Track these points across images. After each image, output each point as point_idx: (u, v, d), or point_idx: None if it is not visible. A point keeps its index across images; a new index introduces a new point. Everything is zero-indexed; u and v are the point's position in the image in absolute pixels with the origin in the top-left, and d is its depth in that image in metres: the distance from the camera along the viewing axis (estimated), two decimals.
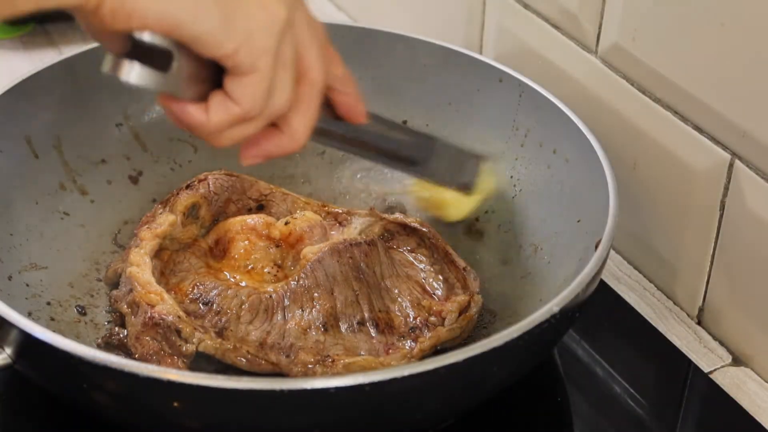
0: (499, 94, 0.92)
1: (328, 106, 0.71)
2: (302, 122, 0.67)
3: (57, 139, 0.88)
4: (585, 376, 0.83)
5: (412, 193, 0.91)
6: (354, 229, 0.86)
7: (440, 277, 0.85)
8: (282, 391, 0.62)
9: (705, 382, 0.83)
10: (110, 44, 0.62)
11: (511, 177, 0.91)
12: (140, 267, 0.79)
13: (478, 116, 0.93)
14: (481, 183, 0.82)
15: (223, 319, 0.78)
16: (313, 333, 0.78)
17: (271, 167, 0.94)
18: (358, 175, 0.97)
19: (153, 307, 0.76)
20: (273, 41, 0.63)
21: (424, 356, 0.78)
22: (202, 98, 0.64)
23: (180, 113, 0.65)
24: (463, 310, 0.81)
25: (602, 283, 0.87)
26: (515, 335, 0.66)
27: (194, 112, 0.64)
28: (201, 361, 0.76)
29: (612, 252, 0.93)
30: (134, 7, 0.59)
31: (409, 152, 0.78)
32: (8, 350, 0.68)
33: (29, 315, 0.77)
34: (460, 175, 0.81)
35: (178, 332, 0.75)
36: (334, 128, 0.73)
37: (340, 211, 0.89)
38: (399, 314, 0.81)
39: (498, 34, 1.02)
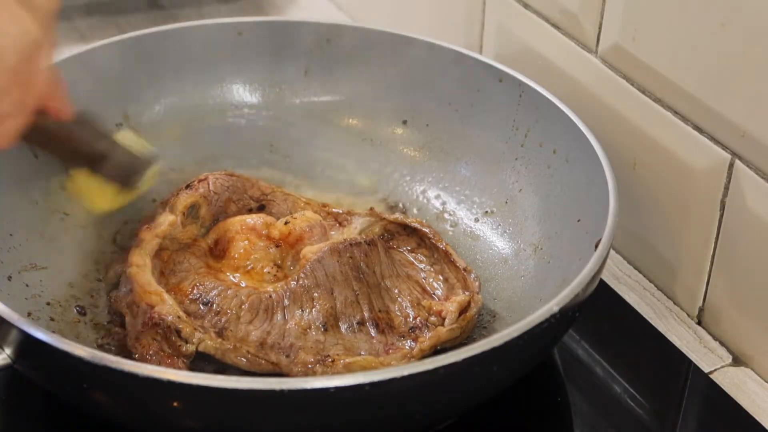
0: (499, 94, 0.91)
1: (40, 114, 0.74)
2: (12, 126, 0.70)
3: None
4: (585, 376, 0.83)
5: (69, 179, 0.87)
6: (354, 229, 0.86)
7: (440, 277, 0.85)
8: (282, 391, 0.62)
9: (705, 382, 0.83)
10: None
11: (511, 177, 0.91)
12: (140, 267, 0.79)
13: (478, 116, 0.93)
14: (143, 183, 0.83)
15: (223, 319, 0.78)
16: (313, 333, 0.78)
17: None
18: None
19: (153, 307, 0.76)
20: (15, 60, 0.68)
21: (424, 356, 0.78)
22: None
23: None
24: (463, 310, 0.81)
25: (602, 283, 0.87)
26: (515, 335, 0.66)
27: None
28: (201, 361, 0.76)
29: (612, 252, 0.93)
30: None
31: (88, 149, 0.79)
32: (8, 350, 0.68)
33: (29, 315, 0.77)
34: (127, 173, 0.81)
35: (178, 332, 0.75)
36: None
37: (340, 211, 0.89)
38: (399, 314, 0.81)
39: (498, 34, 1.02)
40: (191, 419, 0.67)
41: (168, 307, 0.76)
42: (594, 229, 0.77)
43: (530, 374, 0.74)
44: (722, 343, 0.86)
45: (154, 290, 0.78)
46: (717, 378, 0.83)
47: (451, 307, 0.81)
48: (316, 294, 0.79)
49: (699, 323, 0.88)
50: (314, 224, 0.85)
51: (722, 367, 0.84)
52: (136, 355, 0.76)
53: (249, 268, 0.83)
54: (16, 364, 0.69)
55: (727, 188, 0.82)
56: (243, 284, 0.81)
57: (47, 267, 0.83)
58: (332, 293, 0.79)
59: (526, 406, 0.79)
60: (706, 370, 0.84)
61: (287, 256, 0.84)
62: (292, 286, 0.79)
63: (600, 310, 0.86)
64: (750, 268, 0.82)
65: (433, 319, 0.81)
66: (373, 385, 0.62)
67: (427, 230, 0.87)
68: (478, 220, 0.92)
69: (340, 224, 0.87)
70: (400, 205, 0.94)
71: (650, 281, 0.92)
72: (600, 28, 0.89)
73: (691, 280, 0.87)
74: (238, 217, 0.86)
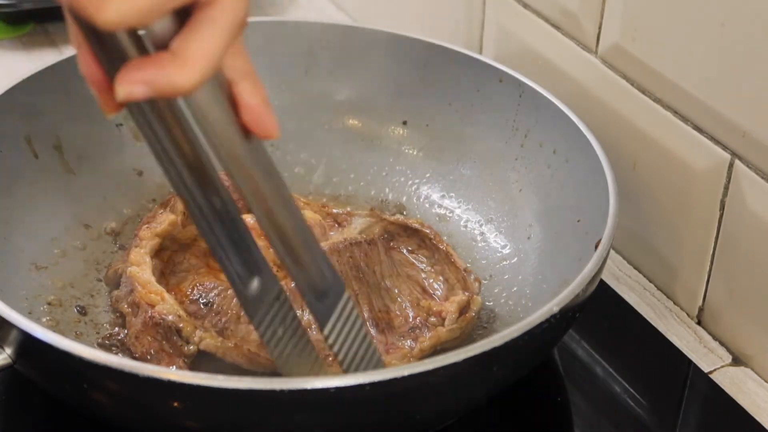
0: (499, 94, 0.91)
1: (231, 107, 0.57)
2: (201, 48, 0.52)
3: (57, 139, 0.88)
4: (585, 376, 0.83)
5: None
6: (354, 230, 0.86)
7: (441, 278, 0.85)
8: (282, 391, 0.62)
9: (705, 382, 0.83)
10: None
11: (511, 177, 0.91)
12: (140, 267, 0.79)
13: (478, 116, 0.93)
14: None
15: (223, 320, 0.78)
16: (314, 332, 0.78)
17: None
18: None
19: (153, 306, 0.76)
20: None
21: (423, 356, 0.78)
22: None
23: None
24: (463, 311, 0.81)
25: (602, 283, 0.87)
26: (515, 335, 0.66)
27: None
28: (202, 361, 0.76)
29: (612, 252, 0.93)
30: None
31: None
32: (8, 350, 0.68)
33: (29, 315, 0.77)
34: None
35: (179, 332, 0.75)
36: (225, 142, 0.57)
37: (341, 212, 0.89)
38: (399, 314, 0.81)
39: (498, 34, 1.02)
40: (191, 419, 0.67)
41: (168, 307, 0.76)
42: (594, 229, 0.77)
43: (530, 374, 0.74)
44: (722, 343, 0.86)
45: (154, 290, 0.78)
46: (717, 378, 0.83)
47: (450, 308, 0.81)
48: None
49: (699, 323, 0.88)
50: (314, 224, 0.85)
51: (722, 367, 0.84)
52: (137, 355, 0.76)
53: None
54: (17, 364, 0.69)
55: (727, 188, 0.82)
56: None
57: (47, 267, 0.83)
58: None
59: (526, 406, 0.79)
60: (706, 370, 0.84)
61: None
62: (292, 286, 0.79)
63: (600, 310, 0.86)
64: (750, 268, 0.82)
65: (432, 319, 0.81)
66: (374, 386, 0.62)
67: (428, 231, 0.87)
68: (477, 221, 0.92)
69: (340, 225, 0.87)
70: (400, 205, 0.94)
71: (650, 281, 0.92)
72: (600, 28, 0.89)
73: (691, 280, 0.87)
74: None
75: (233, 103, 0.57)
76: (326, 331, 0.66)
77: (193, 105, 0.55)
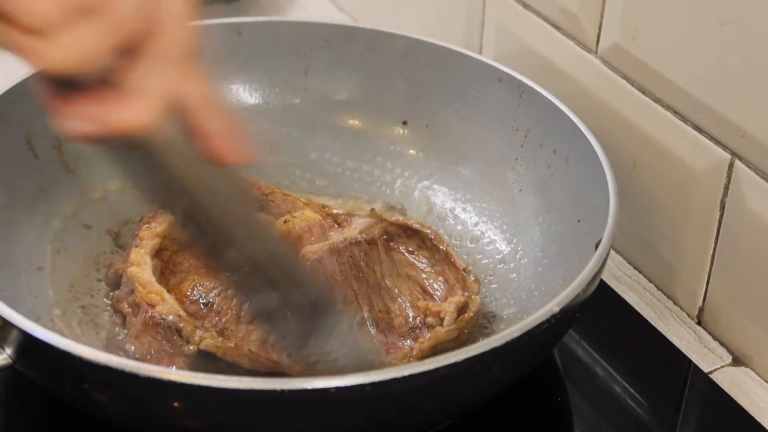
0: (499, 94, 0.91)
1: (196, 140, 0.54)
2: (151, 85, 0.50)
3: (57, 139, 0.88)
4: (585, 376, 0.83)
5: None
6: (354, 230, 0.86)
7: (441, 278, 0.85)
8: (282, 391, 0.62)
9: (705, 382, 0.83)
10: None
11: (511, 177, 0.91)
12: (141, 267, 0.79)
13: (478, 116, 0.93)
14: None
15: (224, 320, 0.78)
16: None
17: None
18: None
19: (153, 306, 0.76)
20: None
21: (423, 357, 0.78)
22: None
23: None
24: (462, 311, 0.81)
25: (602, 283, 0.87)
26: (515, 335, 0.66)
27: None
28: (201, 361, 0.76)
29: (612, 252, 0.93)
30: None
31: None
32: (9, 350, 0.68)
33: (29, 315, 0.77)
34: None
35: (179, 332, 0.75)
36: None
37: (341, 212, 0.89)
38: (399, 314, 0.81)
39: (498, 34, 1.02)
40: (191, 419, 0.67)
41: (169, 307, 0.76)
42: (594, 229, 0.77)
43: (530, 374, 0.74)
44: (722, 343, 0.86)
45: (154, 290, 0.78)
46: (717, 378, 0.83)
47: (449, 308, 0.81)
48: None
49: (699, 323, 0.88)
50: (314, 224, 0.85)
51: (722, 367, 0.84)
52: (137, 355, 0.76)
53: None
54: (17, 364, 0.69)
55: (727, 188, 0.82)
56: None
57: (47, 267, 0.83)
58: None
59: (526, 406, 0.79)
60: (706, 370, 0.84)
61: None
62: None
63: (600, 310, 0.86)
64: (750, 268, 0.82)
65: (430, 319, 0.81)
66: (374, 385, 0.62)
67: (428, 231, 0.87)
68: (477, 221, 0.91)
69: (340, 225, 0.87)
70: (400, 205, 0.94)
71: (650, 281, 0.92)
72: (600, 28, 0.89)
73: (691, 280, 0.87)
74: None
75: (195, 133, 0.54)
76: (312, 341, 0.67)
77: (153, 140, 0.52)
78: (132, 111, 0.50)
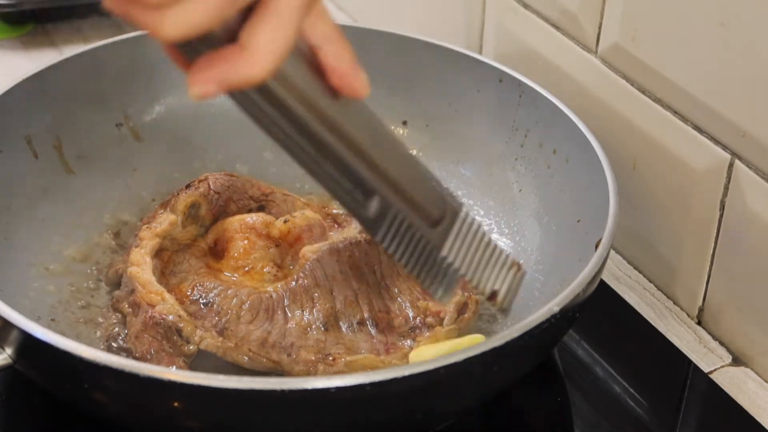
0: (499, 94, 0.91)
1: (317, 73, 0.58)
2: (269, 39, 0.52)
3: (57, 139, 0.88)
4: (585, 376, 0.83)
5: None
6: (354, 230, 0.86)
7: None
8: (282, 391, 0.62)
9: (705, 382, 0.83)
10: None
11: (511, 177, 0.91)
12: (141, 267, 0.79)
13: (478, 116, 0.93)
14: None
15: (224, 320, 0.78)
16: (314, 332, 0.78)
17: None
18: None
19: (153, 306, 0.76)
20: None
21: None
22: None
23: None
24: (461, 311, 0.81)
25: (602, 283, 0.87)
26: (515, 335, 0.66)
27: None
28: (201, 361, 0.76)
29: (612, 252, 0.93)
30: None
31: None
32: (9, 350, 0.68)
33: (29, 315, 0.77)
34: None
35: (179, 332, 0.75)
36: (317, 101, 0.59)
37: (341, 212, 0.89)
38: (399, 314, 0.81)
39: (498, 34, 1.02)
40: (191, 419, 0.67)
41: (169, 307, 0.76)
42: (594, 229, 0.77)
43: (530, 374, 0.74)
44: (722, 343, 0.86)
45: (155, 290, 0.78)
46: (717, 378, 0.83)
47: (449, 308, 0.81)
48: (316, 294, 0.79)
49: (699, 323, 0.88)
50: (314, 223, 0.85)
51: (722, 367, 0.84)
52: (137, 355, 0.76)
53: (249, 267, 0.83)
54: (17, 364, 0.69)
55: (727, 188, 0.82)
56: (243, 284, 0.81)
57: (47, 267, 0.83)
58: (332, 293, 0.79)
59: (526, 406, 0.79)
60: (705, 370, 0.84)
61: (287, 255, 0.84)
62: (292, 286, 0.79)
63: (600, 310, 0.86)
64: (750, 268, 0.82)
65: (430, 319, 0.81)
66: (374, 385, 0.62)
67: None
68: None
69: (340, 225, 0.87)
70: None
71: (650, 281, 0.92)
72: (600, 28, 0.89)
73: (691, 280, 0.87)
74: (237, 217, 0.86)
75: (319, 68, 0.58)
76: (444, 252, 0.67)
77: (275, 79, 0.56)
78: (251, 66, 0.52)
